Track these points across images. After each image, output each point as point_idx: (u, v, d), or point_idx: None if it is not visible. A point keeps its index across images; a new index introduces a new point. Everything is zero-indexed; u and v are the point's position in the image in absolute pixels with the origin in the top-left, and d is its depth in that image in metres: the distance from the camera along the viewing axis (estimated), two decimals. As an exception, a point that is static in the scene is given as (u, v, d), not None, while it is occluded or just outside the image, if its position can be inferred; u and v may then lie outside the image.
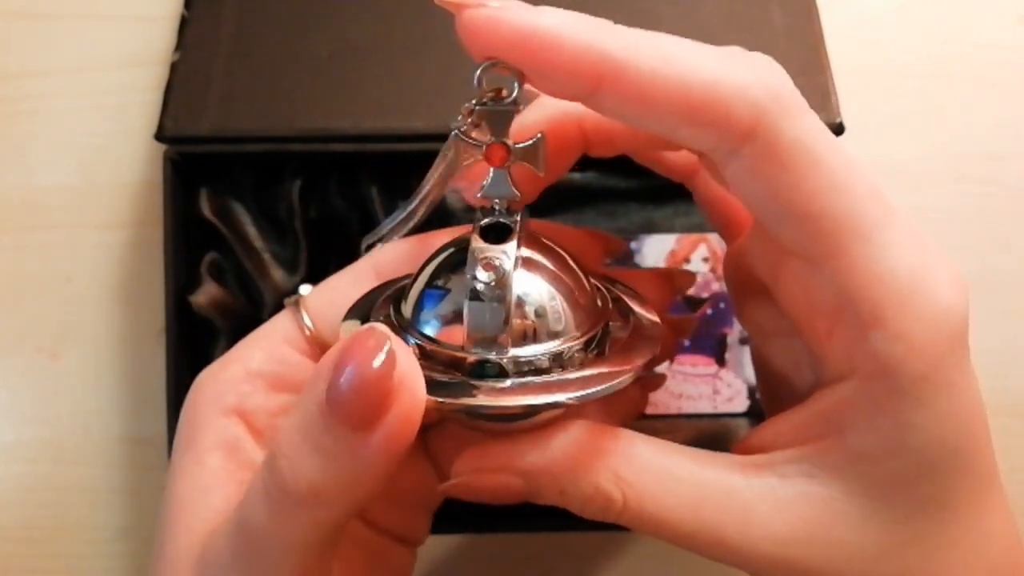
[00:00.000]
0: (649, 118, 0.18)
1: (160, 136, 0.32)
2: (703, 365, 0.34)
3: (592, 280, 0.21)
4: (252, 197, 0.35)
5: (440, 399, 0.18)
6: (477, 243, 0.19)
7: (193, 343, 0.33)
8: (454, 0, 0.18)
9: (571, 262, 0.20)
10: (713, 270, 0.34)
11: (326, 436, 0.17)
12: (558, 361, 0.19)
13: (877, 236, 0.18)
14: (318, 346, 0.22)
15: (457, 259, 0.19)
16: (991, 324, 0.36)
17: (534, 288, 0.19)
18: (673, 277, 0.26)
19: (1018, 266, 0.37)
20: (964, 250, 0.37)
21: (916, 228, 0.19)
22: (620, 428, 0.20)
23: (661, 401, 0.34)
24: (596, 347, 0.20)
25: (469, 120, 0.20)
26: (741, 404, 0.33)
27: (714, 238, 0.34)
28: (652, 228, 0.35)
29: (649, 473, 0.19)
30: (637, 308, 0.22)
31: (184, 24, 0.34)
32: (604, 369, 0.19)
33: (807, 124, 0.18)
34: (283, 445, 0.18)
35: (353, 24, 0.34)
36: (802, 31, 0.34)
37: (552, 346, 0.19)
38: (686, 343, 0.34)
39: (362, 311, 0.21)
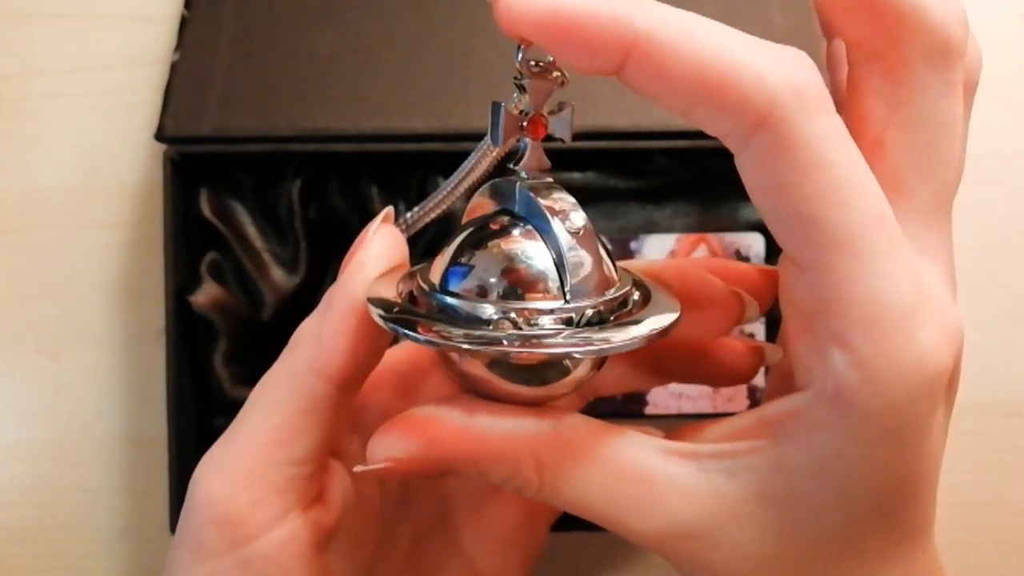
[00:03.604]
0: (669, 95, 0.17)
1: (160, 136, 0.32)
2: (703, 365, 0.34)
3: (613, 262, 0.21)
4: (252, 197, 0.35)
5: (464, 345, 0.18)
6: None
7: (193, 343, 0.33)
8: None
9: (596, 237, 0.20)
10: (713, 270, 0.34)
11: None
12: (584, 317, 0.19)
13: (869, 260, 0.17)
14: None
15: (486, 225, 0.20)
16: (991, 324, 0.36)
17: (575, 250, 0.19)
18: (743, 300, 0.24)
19: (1018, 266, 0.37)
20: (964, 250, 0.37)
21: (922, 272, 0.18)
22: (550, 407, 0.20)
23: (661, 401, 0.34)
24: (622, 308, 0.20)
25: (515, 97, 0.20)
26: (741, 404, 0.33)
27: (714, 238, 0.34)
28: (652, 228, 0.35)
29: (570, 457, 0.19)
30: (658, 290, 0.22)
31: (184, 24, 0.34)
32: (634, 325, 0.19)
33: (824, 126, 0.17)
34: None
35: (353, 24, 0.34)
36: (802, 31, 0.34)
37: (577, 304, 0.19)
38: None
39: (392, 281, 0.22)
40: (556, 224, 0.19)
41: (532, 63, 0.19)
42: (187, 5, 0.35)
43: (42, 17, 0.38)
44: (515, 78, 0.20)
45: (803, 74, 0.17)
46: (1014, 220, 0.37)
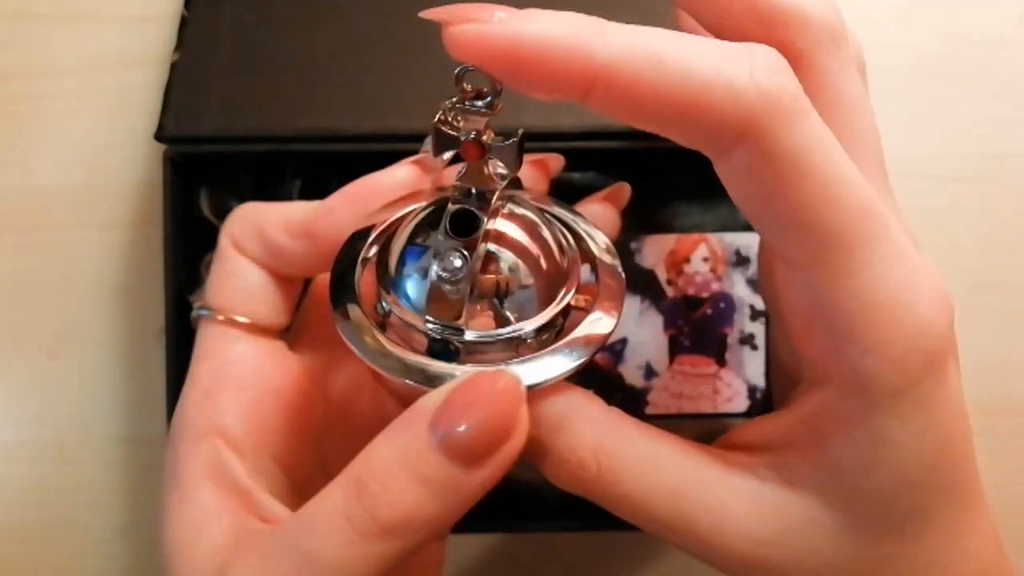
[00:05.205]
0: (640, 118, 0.18)
1: (160, 136, 0.32)
2: (703, 365, 0.34)
3: (560, 239, 0.21)
4: (252, 197, 0.35)
5: (395, 377, 0.19)
6: (442, 237, 0.19)
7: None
8: (438, 17, 0.18)
9: (544, 230, 0.21)
10: (713, 270, 0.34)
11: (432, 469, 0.18)
12: (517, 344, 0.20)
13: (861, 251, 0.17)
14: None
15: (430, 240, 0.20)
16: (991, 324, 0.36)
17: (502, 265, 0.20)
18: (546, 163, 0.27)
19: (1018, 266, 0.37)
20: (964, 250, 0.37)
21: (908, 245, 0.18)
22: (611, 406, 0.20)
23: (661, 401, 0.34)
24: (559, 325, 0.21)
25: (448, 116, 0.20)
26: (741, 404, 0.33)
27: (714, 238, 0.34)
28: (652, 228, 0.35)
29: (632, 451, 0.19)
30: (599, 254, 0.22)
31: (184, 24, 0.34)
32: (565, 348, 0.19)
33: (804, 131, 0.17)
34: (380, 476, 0.18)
35: (353, 24, 0.34)
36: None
37: (514, 328, 0.20)
38: (686, 343, 0.34)
39: (347, 277, 0.22)
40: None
41: (465, 88, 0.19)
42: (187, 5, 0.35)
43: (42, 17, 0.38)
44: (449, 102, 0.19)
45: (777, 79, 0.17)
46: (1014, 220, 0.37)
